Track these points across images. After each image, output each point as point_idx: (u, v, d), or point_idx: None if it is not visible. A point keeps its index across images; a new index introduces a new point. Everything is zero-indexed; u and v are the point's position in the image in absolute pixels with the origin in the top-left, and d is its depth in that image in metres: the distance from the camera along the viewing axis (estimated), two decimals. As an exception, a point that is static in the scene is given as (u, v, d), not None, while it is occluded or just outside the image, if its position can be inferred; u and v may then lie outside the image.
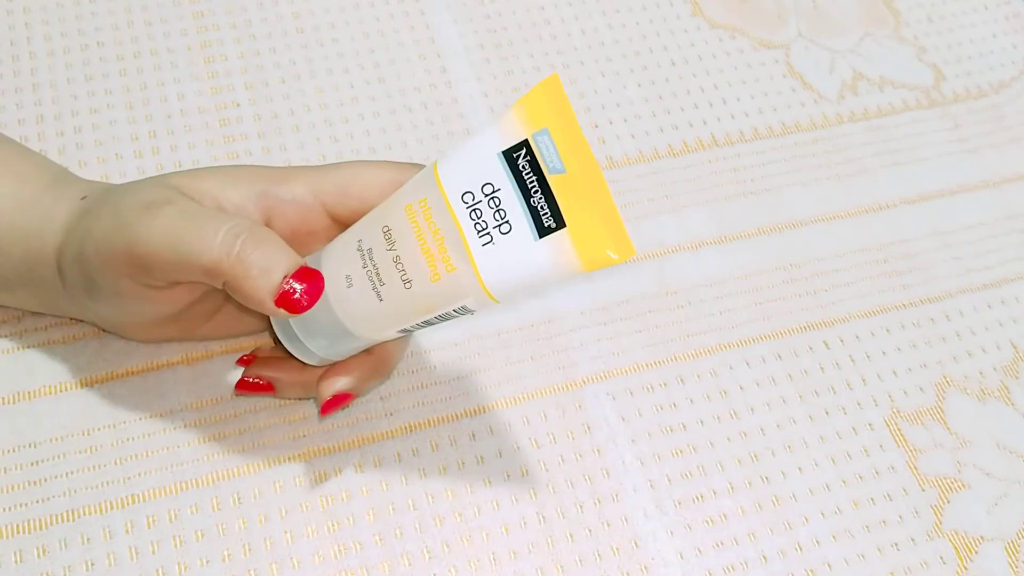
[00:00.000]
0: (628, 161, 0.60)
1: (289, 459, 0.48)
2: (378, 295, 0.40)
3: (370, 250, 0.40)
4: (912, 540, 0.51)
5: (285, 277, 0.39)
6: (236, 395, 0.49)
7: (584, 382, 0.52)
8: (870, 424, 0.54)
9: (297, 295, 0.39)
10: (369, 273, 0.40)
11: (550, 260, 0.38)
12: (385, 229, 0.40)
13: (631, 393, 0.52)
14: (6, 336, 0.49)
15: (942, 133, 0.65)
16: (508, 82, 0.62)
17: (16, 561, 0.44)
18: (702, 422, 0.52)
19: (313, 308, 0.40)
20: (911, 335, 0.57)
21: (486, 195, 0.38)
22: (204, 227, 0.39)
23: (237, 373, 0.49)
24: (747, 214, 0.60)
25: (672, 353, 0.54)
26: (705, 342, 0.55)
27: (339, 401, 0.44)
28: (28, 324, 0.50)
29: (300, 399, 0.49)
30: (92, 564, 0.45)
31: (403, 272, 0.39)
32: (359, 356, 0.45)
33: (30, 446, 0.47)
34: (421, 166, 0.43)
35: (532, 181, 0.38)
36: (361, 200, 0.43)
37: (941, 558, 0.50)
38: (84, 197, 0.44)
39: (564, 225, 0.37)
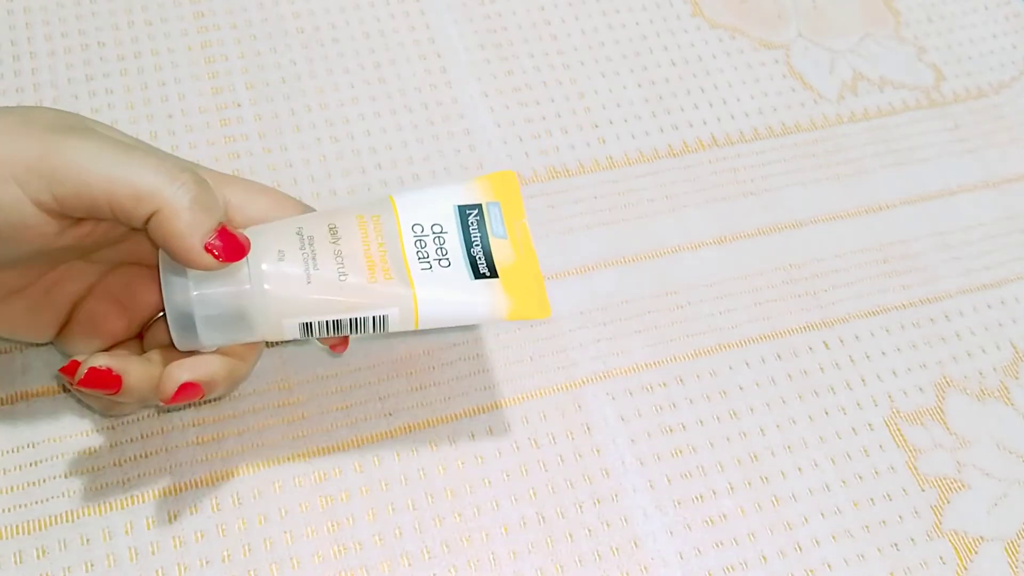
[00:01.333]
0: (628, 161, 0.60)
1: (288, 459, 0.48)
2: (308, 277, 0.40)
3: (311, 238, 0.41)
4: (912, 540, 0.51)
5: (221, 224, 0.38)
6: (75, 389, 0.41)
7: (584, 382, 0.52)
8: (870, 424, 0.54)
9: (224, 245, 0.38)
10: (305, 256, 0.41)
11: (480, 299, 0.42)
12: (331, 226, 0.41)
13: (631, 393, 0.52)
14: (4, 337, 0.49)
15: (942, 133, 0.65)
16: (508, 82, 0.62)
17: (16, 562, 0.44)
18: (702, 422, 0.52)
19: (227, 280, 0.40)
20: (911, 335, 0.57)
21: (434, 232, 0.43)
22: (146, 155, 0.37)
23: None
24: (747, 214, 0.60)
25: (672, 353, 0.54)
26: (705, 342, 0.55)
27: (187, 391, 0.40)
28: (28, 325, 0.50)
29: (136, 408, 0.47)
30: (92, 565, 0.45)
31: (341, 265, 0.41)
32: (214, 353, 0.42)
33: (29, 447, 0.47)
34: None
35: (476, 236, 0.43)
36: (257, 217, 0.42)
37: (941, 558, 0.50)
38: None
39: (496, 276, 0.43)
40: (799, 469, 0.52)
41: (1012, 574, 0.51)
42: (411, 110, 0.60)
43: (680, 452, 0.51)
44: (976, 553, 0.51)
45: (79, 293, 0.44)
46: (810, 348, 0.56)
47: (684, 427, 0.52)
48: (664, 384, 0.53)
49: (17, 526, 0.45)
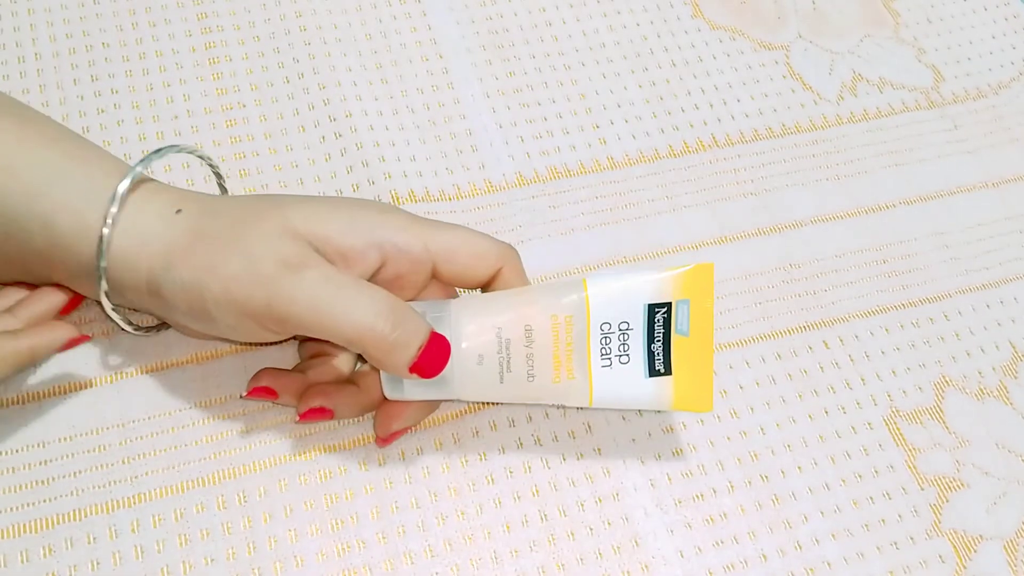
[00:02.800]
0: (629, 161, 0.61)
1: (294, 458, 0.48)
2: (501, 378, 0.45)
3: (508, 340, 0.45)
4: (911, 539, 0.51)
5: (419, 349, 0.44)
6: (298, 423, 0.49)
7: (585, 382, 0.53)
8: (869, 423, 0.54)
9: (425, 369, 0.44)
10: (501, 360, 0.45)
11: (649, 394, 0.46)
12: (527, 328, 0.45)
13: (632, 392, 0.53)
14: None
15: (941, 134, 0.66)
16: (510, 83, 0.62)
17: (22, 560, 0.44)
18: (702, 421, 0.53)
19: None
20: (910, 335, 0.57)
21: (620, 329, 0.46)
22: (348, 301, 0.42)
23: (245, 373, 0.49)
24: (747, 214, 0.60)
25: (673, 353, 0.54)
26: (705, 342, 0.55)
27: (398, 435, 0.49)
28: (37, 325, 0.50)
29: (355, 419, 0.50)
30: (98, 563, 0.45)
31: (531, 368, 0.45)
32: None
33: (39, 446, 0.47)
34: (513, 248, 0.48)
35: (660, 333, 0.46)
36: (464, 267, 0.47)
37: (940, 557, 0.51)
38: (179, 211, 0.44)
39: (670, 373, 0.46)
40: (799, 468, 0.52)
41: (1011, 573, 0.51)
42: (413, 111, 0.60)
43: (680, 451, 0.52)
44: (975, 552, 0.51)
45: None
46: (810, 347, 0.56)
47: (684, 425, 0.52)
48: (665, 383, 0.53)
49: (24, 524, 0.45)
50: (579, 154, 0.60)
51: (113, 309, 0.45)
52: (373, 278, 0.46)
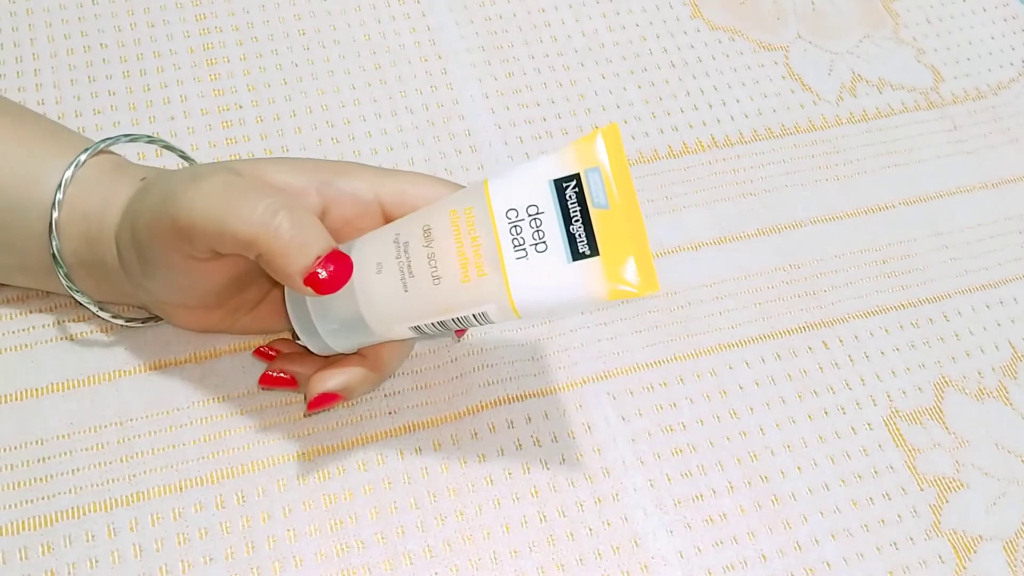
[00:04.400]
0: (628, 162, 0.60)
1: (293, 457, 0.48)
2: (404, 286, 0.42)
3: (406, 244, 0.42)
4: (911, 539, 0.51)
5: (318, 258, 0.41)
6: (261, 389, 0.49)
7: (584, 382, 0.53)
8: (869, 424, 0.54)
9: (325, 276, 0.41)
10: (401, 264, 0.42)
11: (578, 283, 0.40)
12: (425, 228, 0.42)
13: (631, 393, 0.53)
14: (14, 333, 0.50)
15: (940, 135, 0.66)
16: (509, 83, 0.62)
17: (21, 558, 0.44)
18: (702, 422, 0.53)
19: (337, 296, 0.42)
20: (910, 335, 0.57)
21: (529, 215, 0.40)
22: (244, 200, 0.40)
23: (244, 373, 0.50)
24: (746, 215, 0.60)
25: (672, 353, 0.54)
26: (704, 342, 0.55)
27: (326, 400, 0.45)
28: (36, 321, 0.50)
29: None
30: (96, 561, 0.45)
31: (435, 269, 0.41)
32: (353, 358, 0.46)
33: (37, 443, 0.47)
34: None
35: (576, 210, 0.40)
36: (415, 208, 0.45)
37: (940, 557, 0.51)
38: (143, 178, 0.45)
39: (597, 254, 0.40)
40: (798, 468, 0.52)
41: (1011, 573, 0.51)
42: (412, 111, 0.60)
43: (680, 451, 0.52)
44: (975, 552, 0.51)
45: None
46: (809, 348, 0.56)
47: (684, 426, 0.52)
48: (664, 384, 0.53)
49: (23, 522, 0.45)
50: (578, 154, 0.60)
51: (73, 288, 0.46)
52: None
